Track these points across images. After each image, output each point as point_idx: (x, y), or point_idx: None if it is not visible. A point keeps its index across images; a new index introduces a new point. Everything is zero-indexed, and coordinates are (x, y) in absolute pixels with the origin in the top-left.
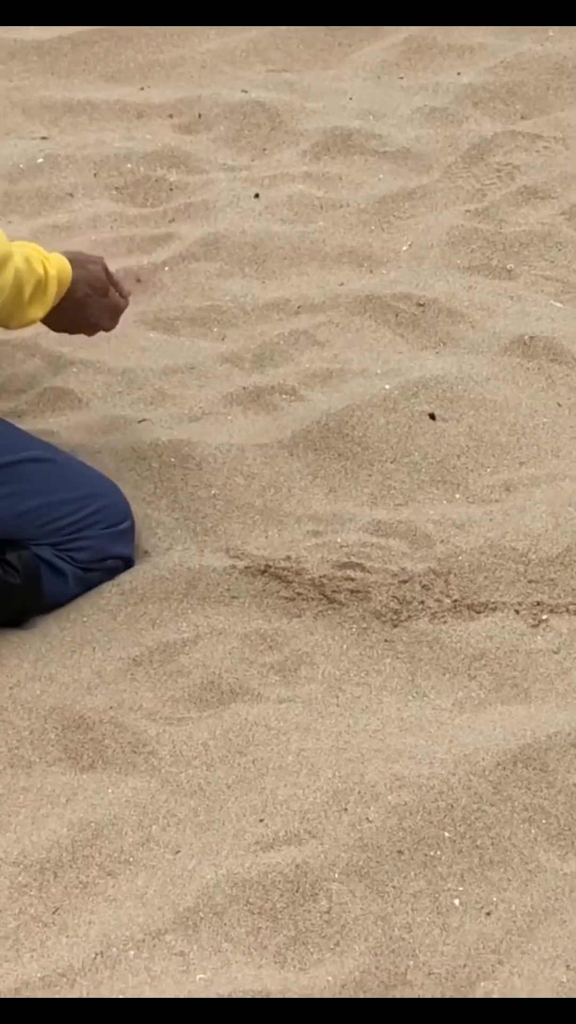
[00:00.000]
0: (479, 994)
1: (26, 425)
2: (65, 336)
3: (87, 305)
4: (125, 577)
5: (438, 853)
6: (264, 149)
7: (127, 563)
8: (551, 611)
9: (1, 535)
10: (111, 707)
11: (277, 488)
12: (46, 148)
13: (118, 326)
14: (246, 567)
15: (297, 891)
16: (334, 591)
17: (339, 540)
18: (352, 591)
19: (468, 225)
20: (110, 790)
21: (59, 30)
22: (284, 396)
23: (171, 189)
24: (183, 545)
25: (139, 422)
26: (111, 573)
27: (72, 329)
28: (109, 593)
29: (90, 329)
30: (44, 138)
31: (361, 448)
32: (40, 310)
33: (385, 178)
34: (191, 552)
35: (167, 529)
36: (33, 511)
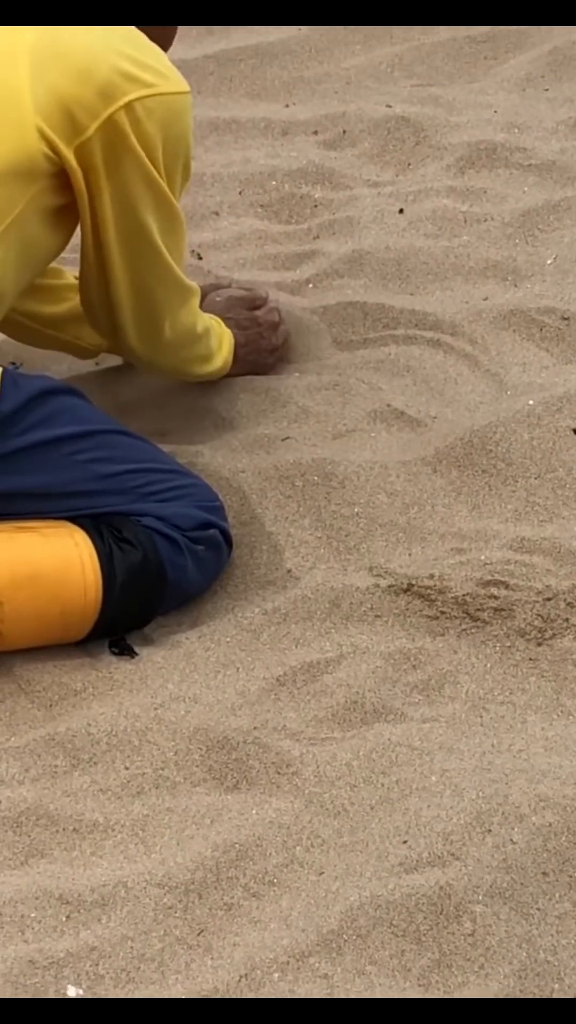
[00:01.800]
0: None
1: (170, 445)
2: None
3: (251, 351)
4: (268, 597)
5: None
6: (408, 164)
7: (227, 538)
8: None
9: (103, 500)
10: (255, 727)
11: (420, 505)
12: (192, 167)
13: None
14: (389, 586)
15: (441, 913)
16: (478, 609)
17: (483, 557)
18: (496, 609)
19: None
20: (254, 811)
21: (203, 48)
22: (428, 413)
23: (315, 206)
24: (326, 564)
25: (282, 440)
26: (217, 550)
27: (251, 372)
28: (252, 613)
29: (266, 367)
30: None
31: (505, 464)
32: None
33: (530, 191)
34: (334, 571)
35: (310, 548)
36: (123, 474)
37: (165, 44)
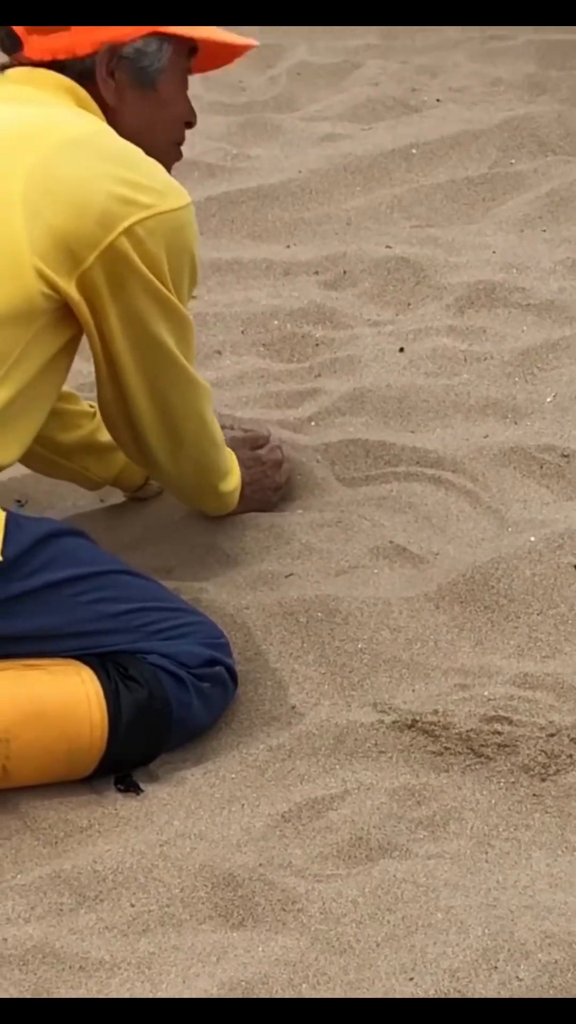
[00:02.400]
0: None
1: (174, 581)
2: None
3: (255, 490)
4: (273, 733)
5: None
6: (409, 303)
7: (232, 675)
8: None
9: (108, 639)
10: (260, 864)
11: (424, 641)
12: (195, 307)
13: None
14: (393, 721)
15: None
16: (482, 745)
17: (486, 693)
18: (500, 745)
19: None
20: (260, 948)
21: (205, 190)
22: (430, 549)
23: (317, 345)
24: (330, 700)
25: (286, 577)
26: (222, 687)
27: (255, 509)
28: (257, 750)
29: (270, 505)
30: (193, 297)
31: (507, 600)
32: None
33: (529, 330)
34: (338, 707)
35: (314, 684)
36: (131, 613)
37: (167, 137)
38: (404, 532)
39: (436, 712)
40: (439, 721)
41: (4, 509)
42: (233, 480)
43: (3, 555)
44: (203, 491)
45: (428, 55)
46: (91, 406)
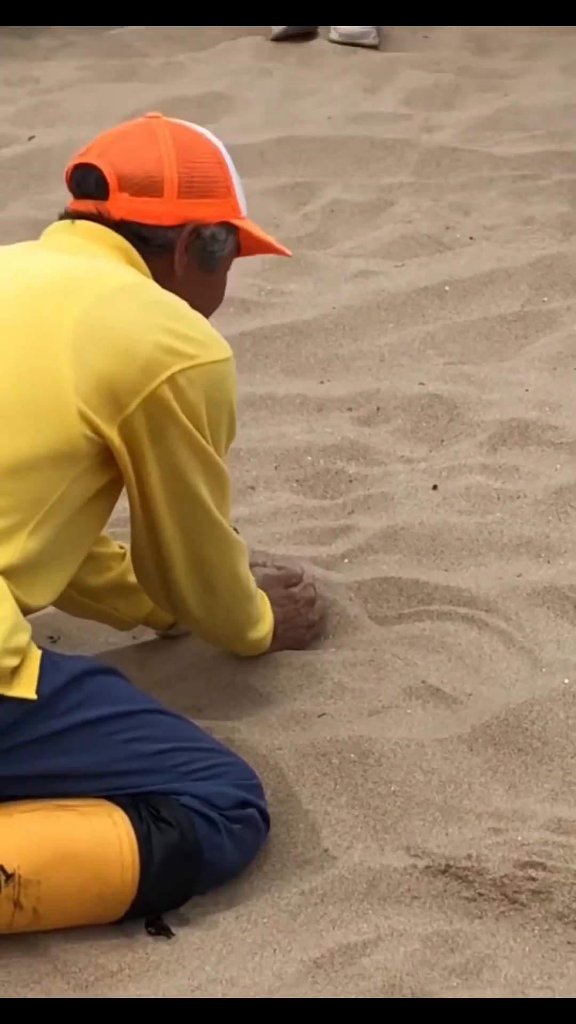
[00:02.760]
0: None
1: (206, 720)
2: None
3: (288, 628)
4: (305, 876)
5: None
6: (442, 440)
7: (264, 817)
8: None
9: (142, 779)
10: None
11: (457, 784)
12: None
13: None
14: (427, 867)
15: None
16: (515, 891)
17: (520, 838)
18: (534, 891)
19: None
20: None
21: (240, 326)
22: (463, 690)
23: (350, 481)
24: (363, 843)
25: (319, 716)
26: (254, 829)
27: (288, 647)
28: (289, 893)
29: (303, 643)
30: None
31: (541, 743)
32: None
33: (562, 468)
34: (371, 851)
35: (347, 826)
36: (165, 753)
37: (207, 311)
38: (437, 672)
39: (470, 857)
40: (472, 866)
41: (40, 647)
42: (265, 626)
43: (39, 693)
44: (235, 638)
45: (461, 193)
46: (120, 547)
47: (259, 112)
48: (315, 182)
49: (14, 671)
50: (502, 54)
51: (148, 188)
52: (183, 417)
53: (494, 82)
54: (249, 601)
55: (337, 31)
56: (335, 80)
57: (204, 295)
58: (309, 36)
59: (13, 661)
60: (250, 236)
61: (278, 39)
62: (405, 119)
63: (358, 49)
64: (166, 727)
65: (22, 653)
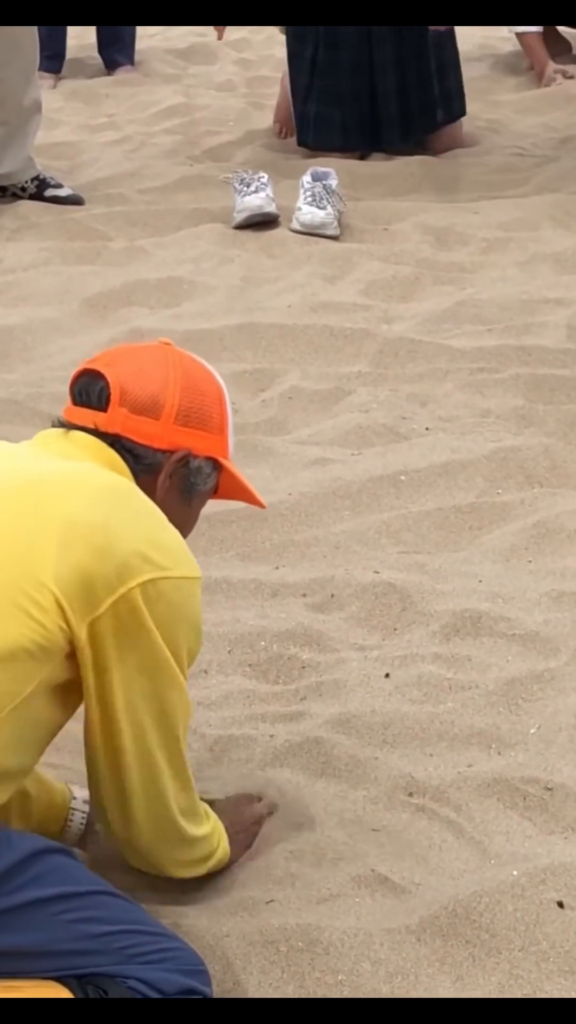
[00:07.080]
0: None
1: (153, 905)
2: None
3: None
4: None
5: None
6: (395, 629)
7: None
8: None
9: (89, 960)
10: None
11: (404, 975)
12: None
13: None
14: None
15: None
16: None
17: None
18: None
19: None
20: None
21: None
22: (412, 880)
23: (303, 667)
24: None
25: (267, 903)
26: None
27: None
28: None
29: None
30: None
31: (489, 935)
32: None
33: (513, 660)
34: None
35: None
36: (112, 935)
37: (185, 529)
38: (386, 861)
39: None
40: None
41: None
42: (210, 864)
43: None
44: (167, 872)
45: (418, 384)
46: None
47: (220, 298)
48: (274, 369)
49: None
50: (461, 248)
51: (148, 408)
52: (151, 623)
53: (453, 275)
54: (197, 843)
55: (299, 221)
56: (295, 269)
57: (176, 522)
58: (271, 224)
59: None
60: (231, 479)
61: (240, 227)
62: (364, 309)
63: (319, 239)
64: (114, 909)
65: None
